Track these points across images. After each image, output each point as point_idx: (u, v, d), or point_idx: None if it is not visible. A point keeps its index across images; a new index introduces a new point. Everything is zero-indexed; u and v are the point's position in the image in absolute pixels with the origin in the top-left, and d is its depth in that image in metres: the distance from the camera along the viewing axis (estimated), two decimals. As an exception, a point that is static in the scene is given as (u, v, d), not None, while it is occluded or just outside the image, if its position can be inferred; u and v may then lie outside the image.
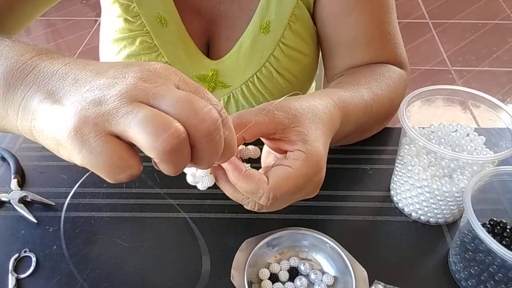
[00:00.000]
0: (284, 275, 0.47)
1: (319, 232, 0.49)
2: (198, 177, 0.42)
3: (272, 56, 0.65)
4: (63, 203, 0.56)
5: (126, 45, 0.65)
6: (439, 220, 0.53)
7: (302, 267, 0.48)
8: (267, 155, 0.46)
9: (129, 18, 0.64)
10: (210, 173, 0.42)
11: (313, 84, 0.88)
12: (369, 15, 0.63)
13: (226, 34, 0.66)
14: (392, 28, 0.65)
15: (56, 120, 0.32)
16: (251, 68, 0.66)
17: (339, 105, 0.49)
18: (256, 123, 0.41)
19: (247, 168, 0.41)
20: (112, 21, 0.66)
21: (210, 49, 0.68)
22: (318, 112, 0.45)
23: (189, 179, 0.42)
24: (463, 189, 0.48)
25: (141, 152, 0.31)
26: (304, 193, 0.43)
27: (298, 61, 0.67)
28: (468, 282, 0.46)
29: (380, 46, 0.64)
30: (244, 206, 0.43)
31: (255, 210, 0.43)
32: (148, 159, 0.32)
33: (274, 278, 0.47)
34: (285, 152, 0.43)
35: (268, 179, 0.40)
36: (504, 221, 0.50)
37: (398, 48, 0.66)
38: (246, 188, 0.40)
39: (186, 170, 0.42)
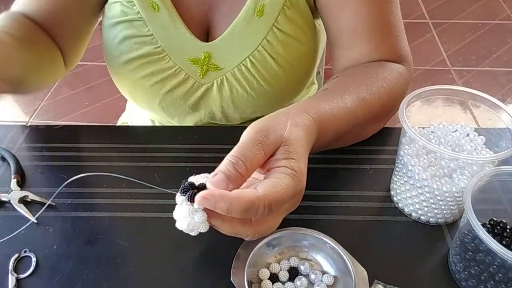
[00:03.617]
0: (284, 275, 0.47)
1: (319, 232, 0.49)
2: (194, 225, 0.42)
3: (265, 40, 0.65)
4: (64, 203, 0.56)
5: (122, 29, 0.67)
6: (439, 220, 0.53)
7: (302, 267, 0.48)
8: None
9: (124, 3, 0.66)
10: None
11: (315, 86, 0.88)
12: (369, 3, 0.63)
13: (225, 20, 0.67)
14: (393, 19, 0.64)
15: None
16: (244, 50, 0.66)
17: (316, 120, 0.50)
18: (256, 161, 0.43)
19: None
20: (109, 7, 0.68)
21: (209, 35, 0.69)
22: (299, 132, 0.47)
23: (183, 227, 0.43)
24: (463, 189, 0.48)
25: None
26: (289, 204, 0.44)
27: (293, 47, 0.67)
28: (468, 282, 0.46)
29: (380, 36, 0.64)
30: (245, 238, 0.45)
31: (255, 238, 0.45)
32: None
33: (274, 278, 0.47)
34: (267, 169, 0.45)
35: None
36: (504, 221, 0.50)
37: (400, 40, 0.65)
38: (242, 207, 0.40)
39: (178, 220, 0.44)
